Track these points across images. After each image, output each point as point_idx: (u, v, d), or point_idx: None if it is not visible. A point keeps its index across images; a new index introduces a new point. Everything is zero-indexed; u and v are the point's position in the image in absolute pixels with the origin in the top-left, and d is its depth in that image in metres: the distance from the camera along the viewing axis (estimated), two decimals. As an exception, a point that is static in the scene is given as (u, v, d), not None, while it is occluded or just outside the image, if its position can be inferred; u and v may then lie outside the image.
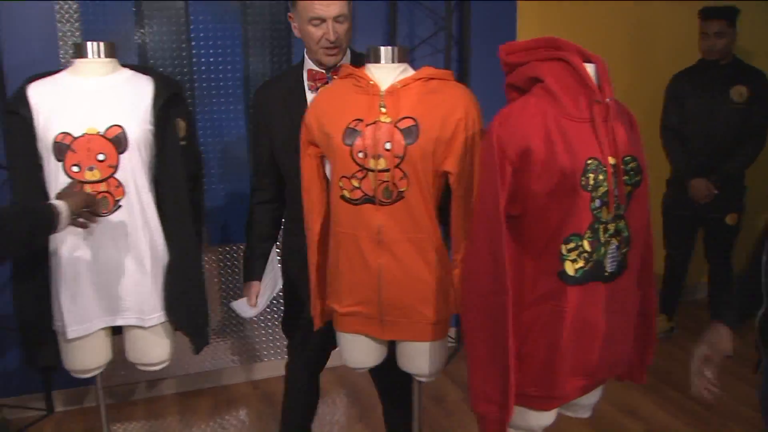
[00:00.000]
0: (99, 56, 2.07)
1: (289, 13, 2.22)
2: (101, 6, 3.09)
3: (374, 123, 1.88)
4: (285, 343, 2.65)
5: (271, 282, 2.39)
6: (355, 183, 1.90)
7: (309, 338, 2.41)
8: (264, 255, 2.38)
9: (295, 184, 2.25)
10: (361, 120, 1.90)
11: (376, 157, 1.87)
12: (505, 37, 3.62)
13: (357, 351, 2.10)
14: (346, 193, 1.92)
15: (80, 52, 2.07)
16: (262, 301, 2.36)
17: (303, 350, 2.50)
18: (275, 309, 3.60)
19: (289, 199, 2.36)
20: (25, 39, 3.01)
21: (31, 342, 2.16)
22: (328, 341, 2.35)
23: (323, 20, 2.08)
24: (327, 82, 2.20)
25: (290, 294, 2.45)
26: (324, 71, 2.21)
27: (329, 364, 2.58)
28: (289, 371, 2.58)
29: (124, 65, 2.16)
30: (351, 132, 1.90)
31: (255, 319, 3.57)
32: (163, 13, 3.20)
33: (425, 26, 3.54)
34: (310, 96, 2.23)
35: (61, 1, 3.05)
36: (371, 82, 1.93)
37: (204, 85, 3.26)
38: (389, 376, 2.32)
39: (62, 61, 3.07)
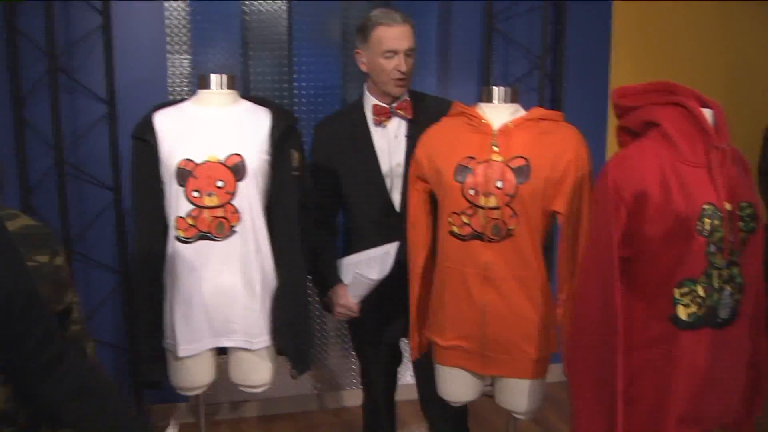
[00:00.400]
0: (221, 88, 2.17)
1: (356, 49, 2.36)
2: (210, 37, 3.24)
3: (486, 161, 1.92)
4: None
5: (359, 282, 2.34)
6: (465, 219, 1.93)
7: (378, 358, 2.51)
8: (337, 269, 2.41)
9: (364, 216, 2.37)
10: (473, 158, 1.94)
11: (487, 194, 1.90)
12: (598, 79, 3.68)
13: (456, 385, 2.11)
14: (455, 229, 1.96)
15: (204, 84, 2.17)
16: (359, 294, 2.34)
17: (375, 369, 2.55)
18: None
19: (355, 231, 2.44)
20: (136, 66, 3.16)
21: (141, 358, 2.24)
22: (395, 358, 2.54)
23: (396, 53, 2.26)
24: (391, 116, 2.35)
25: (356, 320, 2.44)
26: (388, 105, 2.34)
27: (408, 396, 2.60)
28: (367, 395, 2.61)
29: (243, 97, 2.26)
30: (462, 169, 1.94)
31: (337, 347, 3.62)
32: (267, 45, 3.33)
33: (520, 65, 3.57)
34: (374, 130, 2.36)
35: (173, 7, 3.21)
36: (483, 121, 1.97)
37: (304, 116, 3.36)
38: (441, 408, 2.32)
39: (169, 89, 3.22)
